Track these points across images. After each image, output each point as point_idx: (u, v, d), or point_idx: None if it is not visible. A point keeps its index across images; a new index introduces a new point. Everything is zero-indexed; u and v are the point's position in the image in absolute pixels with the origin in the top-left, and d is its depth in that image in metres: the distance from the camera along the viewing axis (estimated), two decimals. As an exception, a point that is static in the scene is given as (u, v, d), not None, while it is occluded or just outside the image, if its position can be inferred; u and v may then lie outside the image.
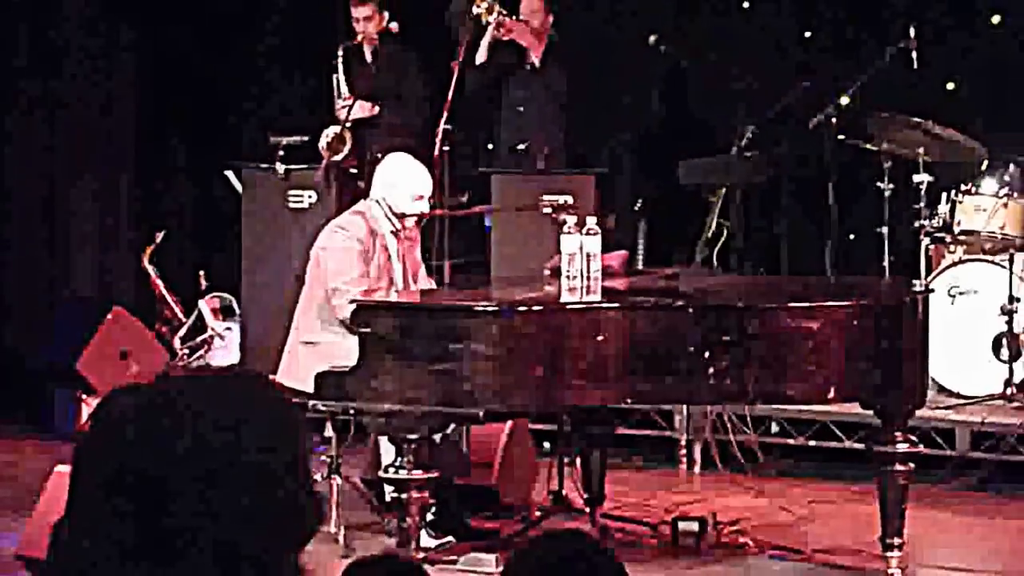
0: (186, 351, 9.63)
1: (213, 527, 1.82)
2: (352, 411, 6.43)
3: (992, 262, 8.50)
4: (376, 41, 9.35)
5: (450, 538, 6.82)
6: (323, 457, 7.13)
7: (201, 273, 9.85)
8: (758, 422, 8.47)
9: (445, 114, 8.60)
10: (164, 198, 10.75)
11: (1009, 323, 8.33)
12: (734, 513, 7.41)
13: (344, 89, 9.28)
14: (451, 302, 6.83)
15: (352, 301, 6.54)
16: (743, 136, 9.54)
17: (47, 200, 10.36)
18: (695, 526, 7.02)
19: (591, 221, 6.74)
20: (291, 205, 9.05)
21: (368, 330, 6.20)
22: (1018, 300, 8.32)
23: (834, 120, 9.04)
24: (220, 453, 1.83)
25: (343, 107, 9.21)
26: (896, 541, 6.39)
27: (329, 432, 7.08)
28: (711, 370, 6.17)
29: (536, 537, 2.77)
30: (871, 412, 6.64)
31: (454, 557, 6.64)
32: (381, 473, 6.46)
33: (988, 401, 8.34)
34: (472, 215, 8.91)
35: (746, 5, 10.42)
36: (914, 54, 8.92)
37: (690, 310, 6.26)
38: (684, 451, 8.64)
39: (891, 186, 8.84)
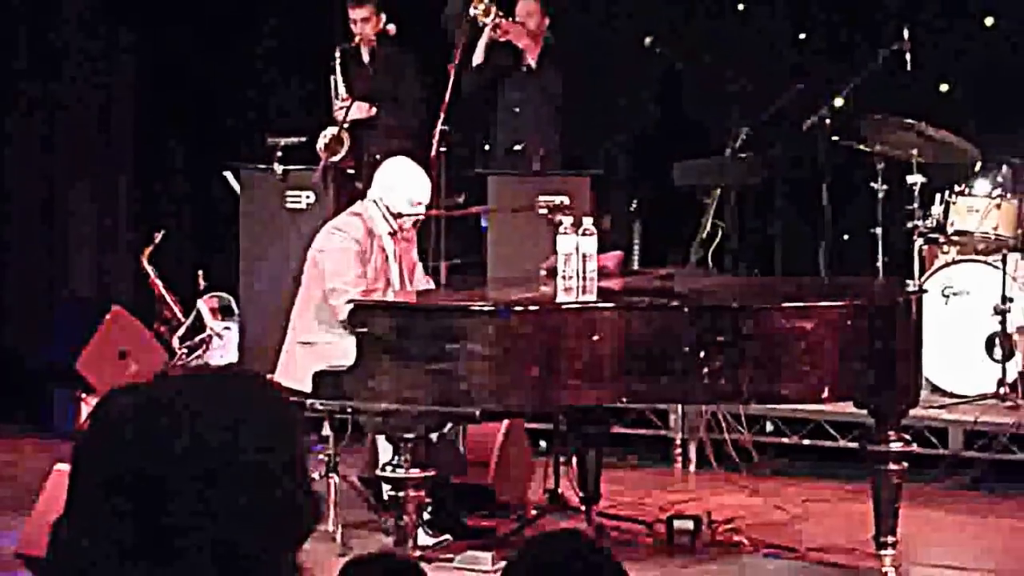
0: (185, 351, 9.65)
1: (211, 526, 1.82)
2: (349, 410, 6.44)
3: (985, 262, 8.52)
4: (373, 43, 9.36)
5: (447, 536, 6.84)
6: (321, 456, 7.13)
7: (200, 273, 9.86)
8: (753, 421, 8.50)
9: (442, 115, 8.61)
10: (163, 198, 10.76)
11: (1002, 323, 8.35)
12: (729, 512, 7.42)
13: (342, 90, 9.30)
14: (448, 302, 6.85)
15: (349, 301, 6.57)
16: (737, 138, 9.56)
17: (46, 200, 10.37)
18: (690, 525, 7.03)
19: (587, 222, 6.75)
20: (289, 205, 9.06)
21: (365, 330, 6.22)
22: (1011, 300, 8.33)
23: (828, 121, 9.07)
24: (218, 452, 1.84)
25: (341, 108, 9.23)
26: (890, 540, 6.41)
27: (327, 431, 7.10)
28: (706, 370, 6.19)
29: (535, 537, 2.78)
30: (865, 412, 6.66)
31: (451, 555, 6.67)
32: (378, 472, 6.48)
33: (981, 401, 8.36)
34: (468, 216, 8.94)
35: (741, 7, 10.45)
36: (907, 56, 8.95)
37: (685, 310, 6.28)
38: (679, 450, 8.66)
39: (885, 187, 8.86)
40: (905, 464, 6.46)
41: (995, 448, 8.14)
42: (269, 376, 6.78)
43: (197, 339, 9.67)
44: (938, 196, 8.71)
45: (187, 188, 10.84)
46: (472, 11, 9.23)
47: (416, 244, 7.51)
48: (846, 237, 9.71)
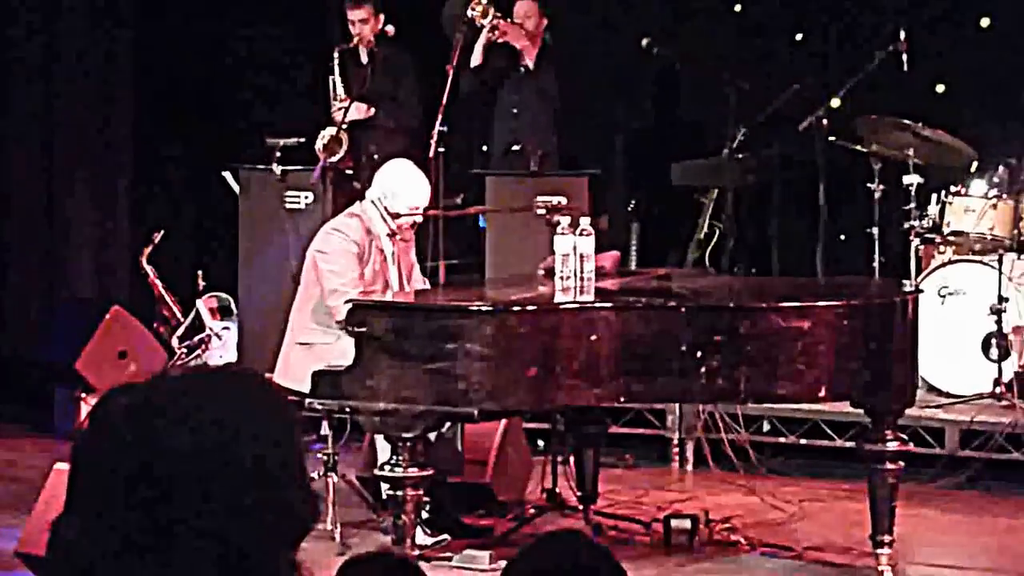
0: (184, 350, 9.66)
1: (210, 524, 1.82)
2: (348, 410, 6.46)
3: (981, 262, 8.53)
4: (372, 44, 9.35)
5: (445, 536, 6.86)
6: (319, 455, 7.14)
7: (199, 273, 9.88)
8: (750, 421, 8.51)
9: (440, 116, 8.63)
10: (162, 199, 10.77)
11: (998, 323, 8.36)
12: (726, 511, 7.44)
13: (340, 91, 9.31)
14: (446, 302, 6.87)
15: (348, 301, 6.59)
16: (735, 138, 9.58)
17: (46, 201, 10.37)
18: (687, 524, 7.04)
19: (584, 222, 6.77)
20: (288, 206, 9.08)
21: (364, 330, 6.24)
22: (1007, 300, 8.35)
23: (825, 122, 9.08)
24: (217, 451, 1.84)
25: (339, 108, 9.25)
26: (886, 538, 6.42)
27: (325, 430, 7.12)
28: (703, 369, 6.21)
29: (536, 537, 2.80)
30: (861, 411, 6.68)
31: (449, 554, 6.68)
32: (376, 471, 6.48)
33: (977, 400, 8.38)
34: (467, 216, 8.96)
35: (738, 8, 10.47)
36: (904, 57, 8.97)
37: (682, 310, 6.30)
38: (676, 450, 8.68)
39: (881, 187, 8.88)
40: (901, 463, 6.48)
41: (991, 447, 8.15)
42: (268, 375, 6.81)
43: (196, 339, 9.69)
44: (934, 196, 8.73)
45: (186, 188, 10.85)
46: (470, 12, 9.24)
47: (414, 244, 7.53)
48: (843, 237, 9.74)
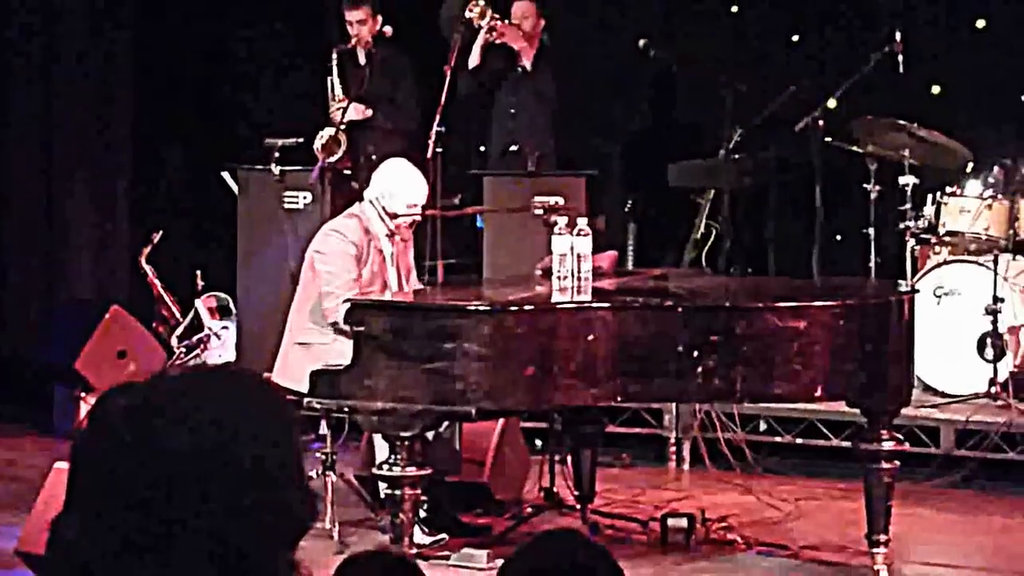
0: (183, 350, 9.67)
1: (208, 523, 1.82)
2: (346, 409, 6.48)
3: (977, 263, 8.55)
4: (370, 44, 9.37)
5: (443, 535, 6.88)
6: (317, 454, 7.16)
7: (198, 273, 9.89)
8: (746, 420, 8.53)
9: (438, 117, 8.64)
10: (161, 199, 10.79)
11: (993, 323, 8.38)
12: (722, 510, 7.45)
13: (339, 91, 9.33)
14: (444, 302, 6.89)
15: (347, 300, 6.62)
16: (731, 139, 9.60)
17: (46, 201, 10.39)
18: (684, 523, 7.06)
19: (582, 222, 6.79)
20: (287, 206, 9.09)
21: (362, 329, 6.26)
22: (1002, 300, 8.37)
23: (821, 123, 9.10)
24: (215, 450, 1.83)
25: (338, 109, 9.26)
26: (882, 538, 6.44)
27: (323, 430, 7.14)
28: (699, 369, 6.23)
29: (533, 537, 2.80)
30: (857, 411, 6.71)
31: (447, 553, 6.70)
32: (375, 470, 6.49)
33: (972, 400, 8.40)
34: (465, 216, 8.98)
35: (734, 9, 10.48)
36: (900, 58, 8.99)
37: (679, 310, 6.31)
38: (673, 449, 8.70)
39: (877, 188, 8.90)
40: (897, 463, 6.50)
41: (986, 447, 8.18)
42: (266, 375, 6.83)
43: (195, 338, 9.70)
44: (930, 197, 8.75)
45: (185, 189, 10.86)
46: (468, 13, 9.25)
47: (413, 244, 7.55)
48: (839, 238, 9.75)
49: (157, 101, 10.61)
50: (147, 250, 9.86)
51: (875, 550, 6.47)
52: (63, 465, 6.01)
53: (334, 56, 9.30)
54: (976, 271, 8.53)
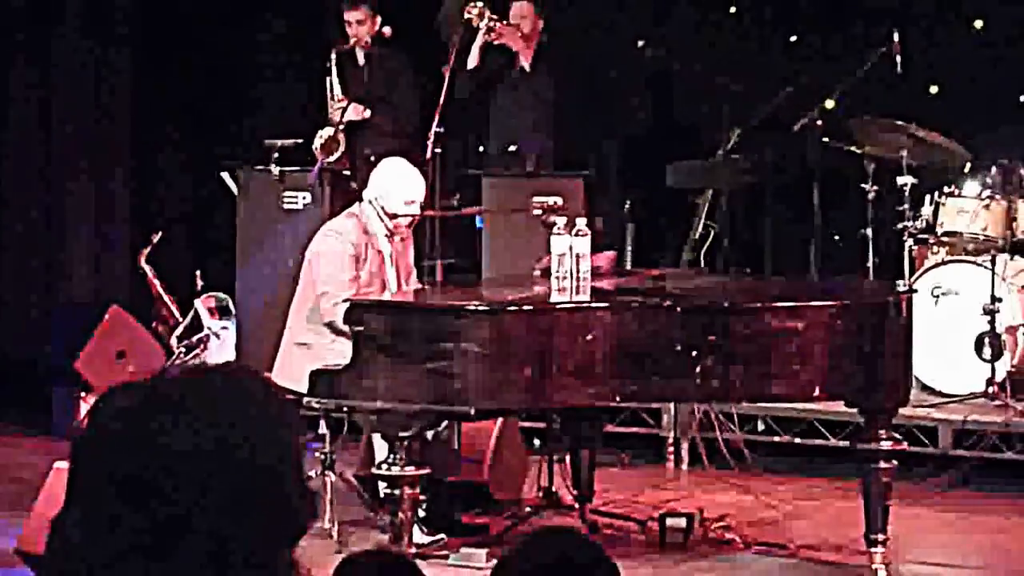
0: (182, 350, 9.67)
1: (208, 523, 1.81)
2: (345, 409, 6.50)
3: (974, 263, 8.56)
4: (369, 45, 9.38)
5: (442, 535, 6.89)
6: (317, 454, 7.17)
7: (197, 273, 9.90)
8: (744, 420, 8.54)
9: (437, 117, 8.65)
10: (160, 199, 10.80)
11: (991, 323, 8.39)
12: (721, 509, 7.46)
13: (337, 91, 9.34)
14: (443, 302, 6.90)
15: (345, 301, 6.63)
16: (729, 139, 9.62)
17: (45, 201, 10.40)
18: (682, 522, 7.07)
19: (580, 222, 6.80)
20: (286, 206, 9.09)
21: (361, 329, 6.27)
22: (1000, 300, 8.37)
23: (819, 123, 9.11)
24: (214, 450, 1.83)
25: (337, 109, 9.27)
26: (880, 537, 6.45)
27: (323, 429, 7.14)
28: (698, 369, 6.24)
29: (529, 534, 2.81)
30: (855, 410, 6.73)
31: (445, 553, 6.71)
32: (374, 470, 6.51)
33: (970, 399, 8.41)
34: (464, 216, 8.99)
35: (732, 10, 10.49)
36: (898, 58, 9.00)
37: (677, 310, 6.33)
38: (672, 449, 8.71)
39: (875, 188, 8.91)
40: (895, 462, 6.51)
41: (984, 447, 8.19)
42: (266, 374, 6.83)
43: (195, 338, 9.70)
44: (928, 197, 8.76)
45: (184, 189, 10.87)
46: (467, 14, 9.26)
47: (412, 244, 7.56)
48: (837, 238, 9.75)
49: (156, 101, 10.61)
50: (147, 250, 9.86)
51: (873, 549, 6.48)
52: (63, 465, 6.01)
53: (333, 56, 9.31)
54: (974, 271, 8.54)
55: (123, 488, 1.81)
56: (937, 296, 8.57)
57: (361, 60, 9.46)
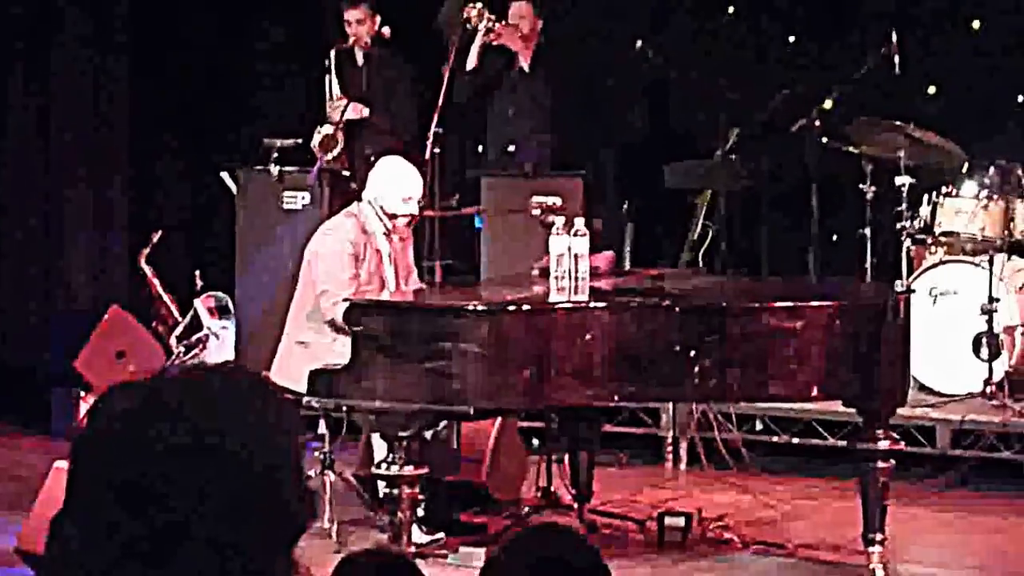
0: (182, 350, 9.68)
1: (206, 529, 1.81)
2: (344, 409, 6.51)
3: (972, 263, 8.57)
4: (368, 45, 9.39)
5: (441, 534, 6.91)
6: (316, 453, 7.18)
7: (197, 273, 9.91)
8: (743, 420, 8.55)
9: (436, 118, 8.66)
10: (160, 199, 10.80)
11: (989, 323, 8.40)
12: (719, 509, 7.48)
13: (336, 90, 9.35)
14: (441, 302, 6.91)
15: (345, 300, 6.64)
16: (727, 140, 9.63)
17: (44, 200, 10.40)
18: (681, 522, 7.09)
19: (579, 223, 6.82)
20: (285, 206, 9.10)
21: (360, 329, 6.29)
22: (997, 300, 8.38)
23: (817, 124, 9.12)
24: (214, 450, 1.82)
25: (336, 107, 9.28)
26: (877, 537, 6.46)
27: (322, 429, 7.15)
28: (696, 369, 6.25)
29: (518, 532, 2.81)
30: (853, 410, 6.74)
31: (444, 552, 6.72)
32: (373, 469, 6.53)
33: (968, 400, 8.42)
34: (463, 216, 9.00)
35: (731, 10, 10.50)
36: (896, 59, 9.01)
37: (676, 310, 6.34)
38: (670, 448, 8.73)
39: (873, 189, 8.91)
40: (893, 462, 6.52)
41: (981, 447, 8.20)
42: (265, 374, 6.84)
43: (194, 338, 9.71)
44: (926, 198, 8.77)
45: (183, 196, 10.87)
46: (466, 15, 9.26)
47: (412, 244, 7.57)
48: (835, 238, 9.76)
49: (154, 109, 10.61)
50: (146, 250, 9.87)
51: (871, 549, 6.49)
52: (62, 464, 6.03)
53: (332, 54, 9.31)
54: (972, 271, 8.55)
55: (122, 494, 1.81)
56: (935, 296, 8.58)
57: (360, 60, 9.46)
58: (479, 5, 9.23)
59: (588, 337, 6.20)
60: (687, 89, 10.43)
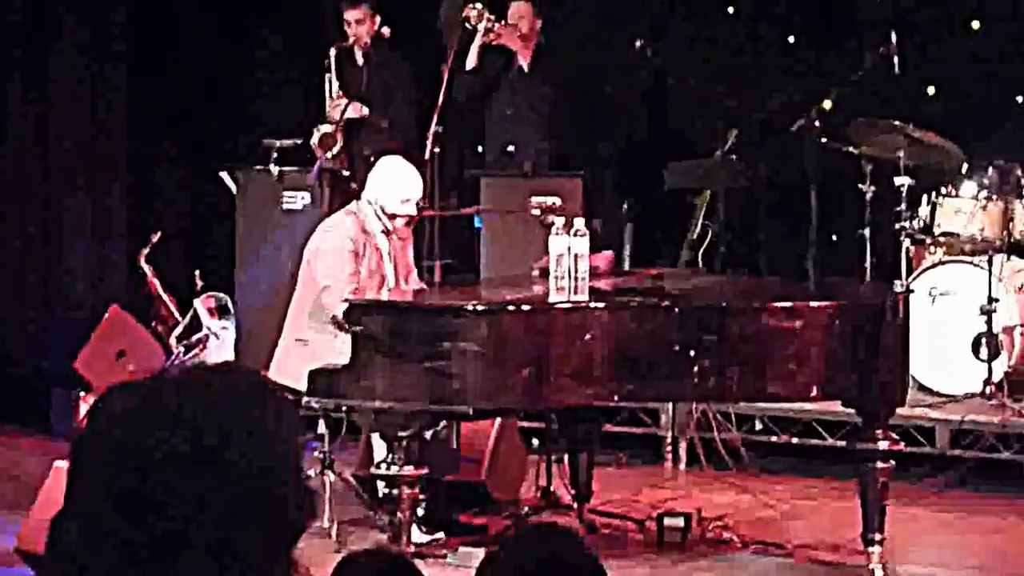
0: (182, 350, 9.68)
1: (207, 522, 1.80)
2: (344, 409, 6.51)
3: (971, 263, 8.58)
4: (368, 45, 9.40)
5: (440, 535, 6.92)
6: (316, 453, 7.19)
7: (196, 273, 9.91)
8: (742, 420, 8.56)
9: (435, 118, 8.67)
10: (160, 199, 10.80)
11: (988, 323, 8.41)
12: (718, 509, 7.48)
13: (336, 89, 9.35)
14: (441, 302, 6.92)
15: (345, 300, 6.65)
16: (727, 140, 9.64)
17: (43, 200, 10.41)
18: (680, 522, 7.09)
19: (579, 222, 6.83)
20: (285, 206, 9.11)
21: (360, 329, 6.29)
22: (997, 301, 8.39)
23: (816, 124, 9.12)
24: (213, 450, 1.81)
25: (336, 106, 9.28)
26: (877, 537, 6.47)
27: (322, 429, 7.16)
28: (695, 369, 6.26)
29: (514, 533, 2.82)
30: (852, 411, 6.75)
31: (444, 552, 6.73)
32: (373, 469, 6.54)
33: (967, 400, 8.43)
34: (462, 216, 9.00)
35: (730, 11, 10.51)
36: (895, 59, 9.01)
37: (675, 311, 6.35)
38: (670, 448, 8.73)
39: (872, 189, 8.92)
40: (892, 462, 6.53)
41: (981, 447, 8.21)
42: (264, 374, 6.85)
43: (194, 338, 9.71)
44: (925, 198, 8.78)
45: (183, 189, 10.88)
46: (465, 15, 9.27)
47: (412, 243, 7.57)
48: (834, 238, 9.77)
49: (154, 101, 10.61)
50: (146, 250, 9.87)
51: (870, 549, 6.51)
52: (62, 464, 6.03)
53: (332, 53, 9.32)
54: (971, 272, 8.56)
55: (121, 501, 1.81)
56: (934, 296, 8.59)
57: (360, 60, 9.47)
58: (479, 5, 9.24)
59: (588, 337, 6.20)
60: (687, 89, 10.43)
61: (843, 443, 7.23)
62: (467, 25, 9.24)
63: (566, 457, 7.46)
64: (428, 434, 6.56)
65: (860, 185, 8.94)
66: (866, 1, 10.08)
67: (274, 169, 9.10)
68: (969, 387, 8.47)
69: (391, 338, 6.22)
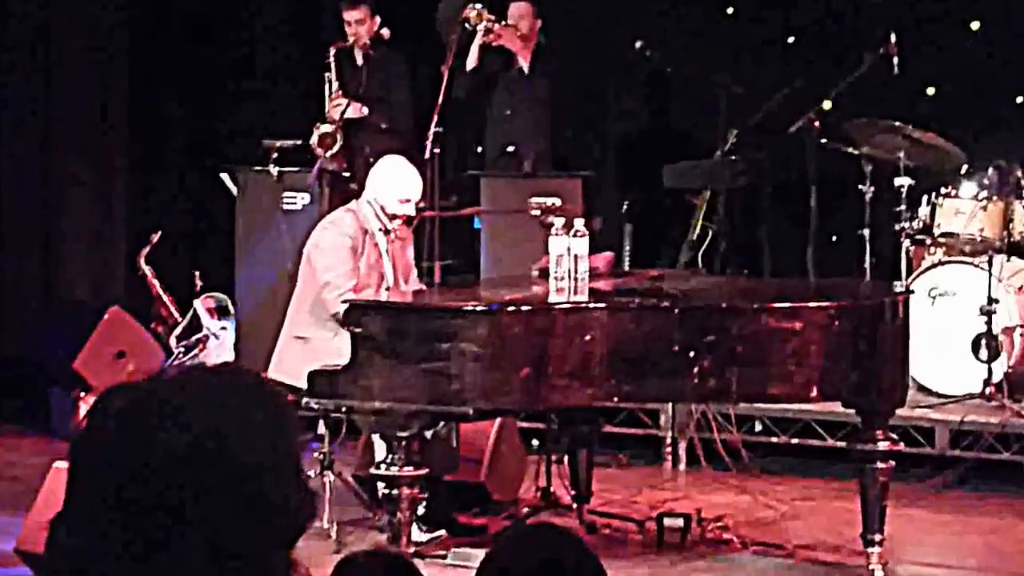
0: (181, 350, 9.69)
1: (207, 523, 1.81)
2: (344, 409, 6.51)
3: (971, 264, 8.59)
4: (367, 46, 9.41)
5: (440, 534, 6.91)
6: (316, 454, 7.19)
7: (196, 273, 9.91)
8: (742, 421, 8.55)
9: (435, 118, 8.67)
10: (159, 199, 10.82)
11: (988, 324, 8.41)
12: (718, 510, 7.47)
13: (336, 89, 9.35)
14: (440, 303, 6.92)
15: (344, 301, 6.64)
16: (727, 140, 9.64)
17: (43, 202, 10.42)
18: (680, 522, 7.09)
19: (578, 223, 6.83)
20: (285, 207, 9.12)
21: (359, 330, 6.29)
22: (997, 301, 8.39)
23: (816, 124, 9.13)
24: (213, 451, 1.82)
25: (335, 106, 9.29)
26: (876, 537, 6.47)
27: (321, 429, 7.16)
28: (695, 370, 6.26)
29: (512, 533, 2.82)
30: (852, 411, 6.74)
31: (444, 552, 6.72)
32: (373, 470, 6.54)
33: (967, 400, 8.43)
34: (462, 217, 9.00)
35: (730, 11, 10.51)
36: (895, 60, 9.02)
37: (675, 311, 6.34)
38: (669, 449, 8.73)
39: (872, 189, 8.92)
40: (892, 463, 6.53)
41: (980, 447, 8.21)
42: (264, 373, 6.85)
43: (194, 339, 9.72)
44: (925, 198, 8.78)
45: (183, 189, 10.89)
46: (465, 15, 9.27)
47: (412, 243, 7.57)
48: (834, 239, 9.77)
49: (155, 102, 10.63)
50: (146, 250, 9.88)
51: (870, 550, 6.50)
52: (62, 464, 6.03)
53: (332, 52, 9.32)
54: (971, 272, 8.56)
55: (121, 496, 1.81)
56: (934, 297, 8.59)
57: (359, 60, 9.48)
58: (478, 5, 9.25)
59: (587, 337, 6.20)
60: (687, 90, 10.44)
61: (843, 443, 7.23)
62: (467, 25, 9.24)
63: (566, 458, 7.46)
64: (428, 434, 6.56)
65: (860, 185, 8.95)
66: (866, 1, 10.08)
67: (274, 169, 9.10)
68: (969, 388, 8.47)
69: (390, 338, 6.22)
